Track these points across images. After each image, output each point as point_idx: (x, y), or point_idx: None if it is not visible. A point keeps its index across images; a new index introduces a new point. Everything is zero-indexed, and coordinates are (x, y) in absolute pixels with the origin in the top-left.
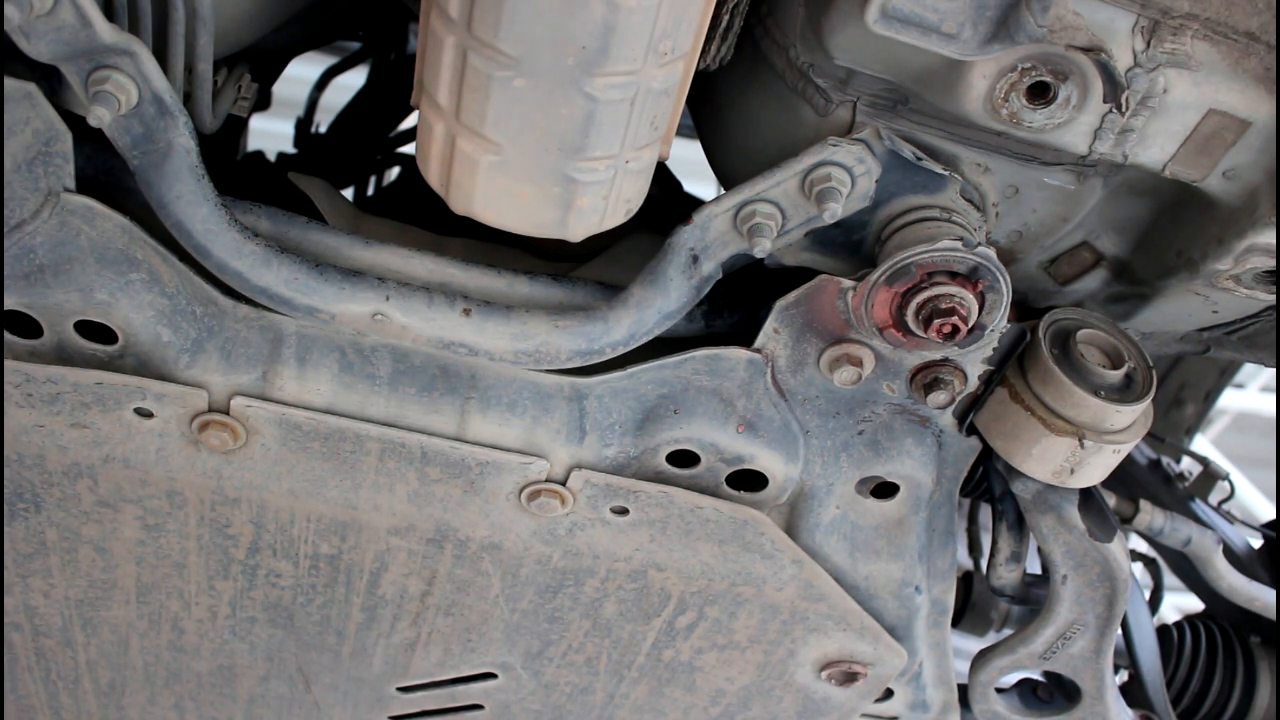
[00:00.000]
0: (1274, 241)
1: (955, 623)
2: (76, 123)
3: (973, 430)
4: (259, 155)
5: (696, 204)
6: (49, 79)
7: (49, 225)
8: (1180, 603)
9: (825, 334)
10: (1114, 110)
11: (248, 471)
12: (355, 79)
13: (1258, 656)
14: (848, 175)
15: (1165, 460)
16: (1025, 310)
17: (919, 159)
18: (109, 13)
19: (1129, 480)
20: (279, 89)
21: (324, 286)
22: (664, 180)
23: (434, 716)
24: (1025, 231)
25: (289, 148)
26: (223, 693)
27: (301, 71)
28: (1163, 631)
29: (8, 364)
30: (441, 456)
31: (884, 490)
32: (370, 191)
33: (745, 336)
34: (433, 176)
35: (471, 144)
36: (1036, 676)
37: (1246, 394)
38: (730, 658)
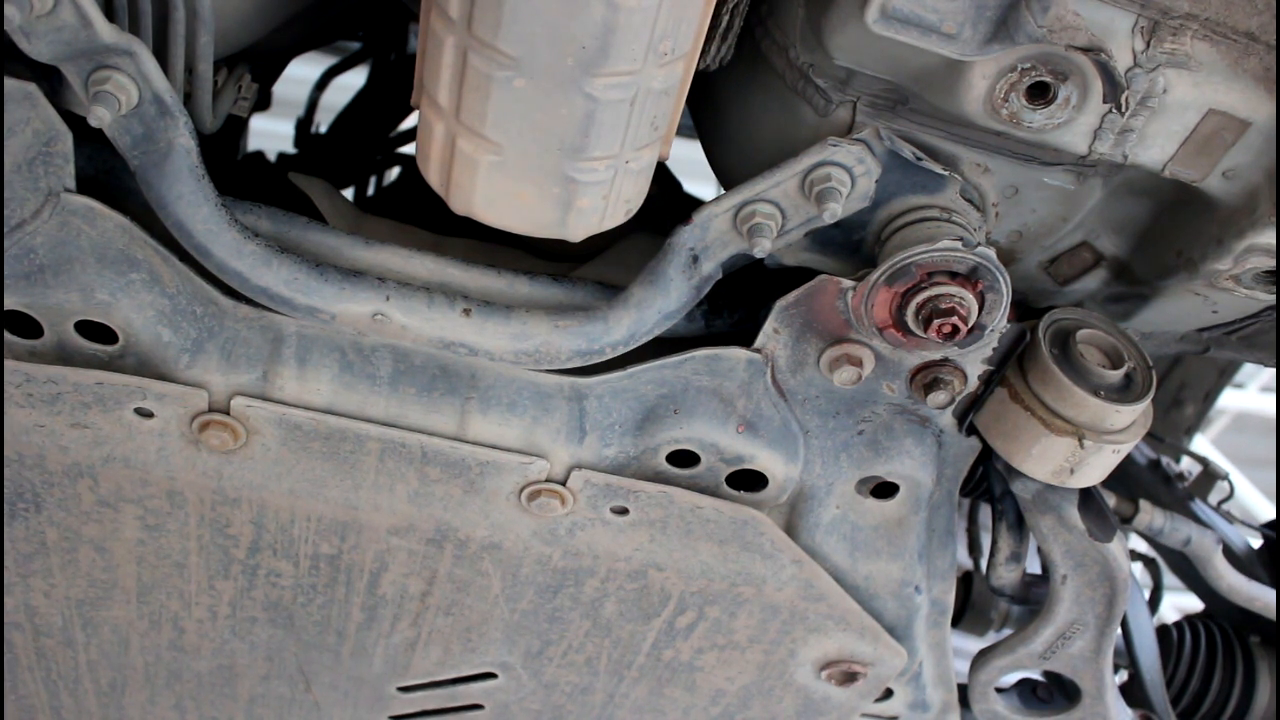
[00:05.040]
0: (1274, 241)
1: (955, 623)
2: (77, 123)
3: (973, 430)
4: (259, 155)
5: (696, 204)
6: (49, 79)
7: (49, 225)
8: (1180, 603)
9: (825, 334)
10: (1114, 110)
11: (248, 471)
12: (355, 79)
13: (1257, 656)
14: (848, 175)
15: (1165, 460)
16: (1025, 310)
17: (919, 159)
18: (109, 13)
19: (1129, 480)
20: (279, 89)
21: (324, 286)
22: (664, 180)
23: (434, 716)
24: (1025, 231)
25: (289, 148)
26: (223, 692)
27: (301, 71)
28: (1163, 631)
29: (8, 364)
30: (441, 456)
31: (884, 490)
32: (370, 191)
33: (745, 336)
34: (433, 176)
35: (471, 144)
36: (1036, 676)
37: (1246, 394)
38: (730, 658)
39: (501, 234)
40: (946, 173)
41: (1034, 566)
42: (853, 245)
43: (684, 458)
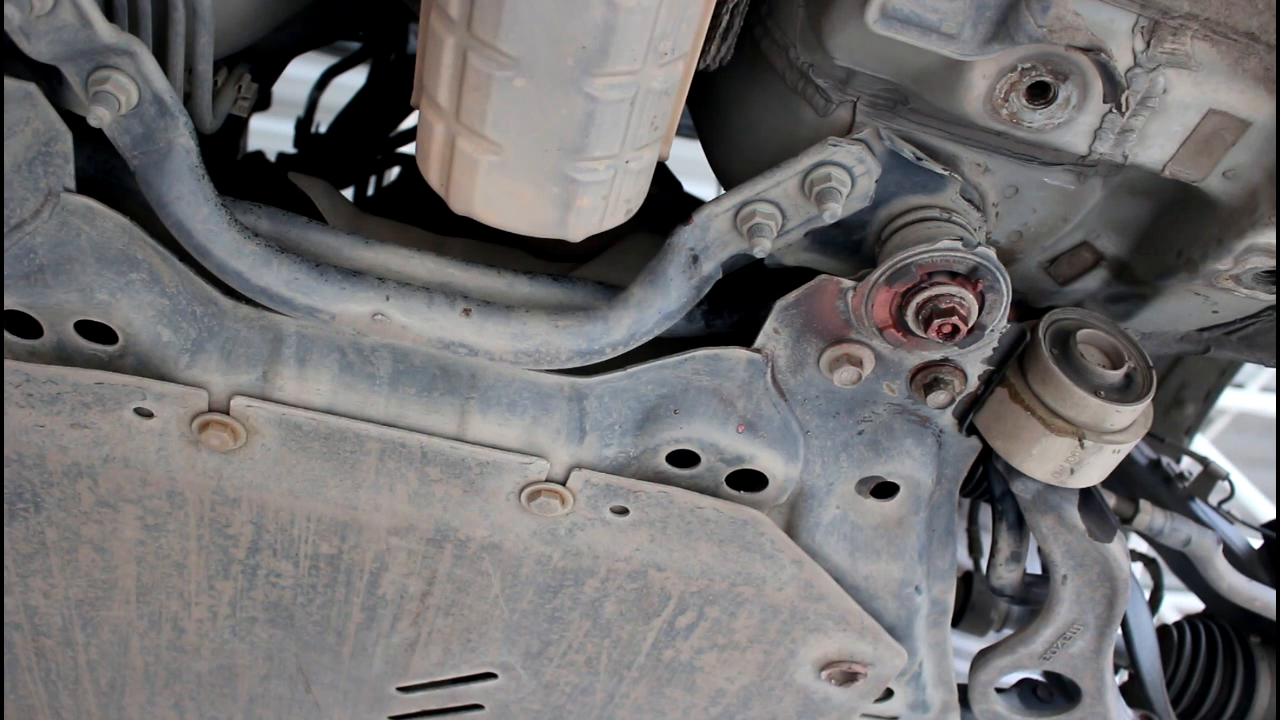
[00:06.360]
0: (1274, 241)
1: (955, 623)
2: (77, 123)
3: (973, 430)
4: (259, 155)
5: (696, 204)
6: (49, 79)
7: (49, 225)
8: (1180, 603)
9: (825, 334)
10: (1114, 110)
11: (248, 471)
12: (355, 79)
13: (1258, 656)
14: (848, 175)
15: (1165, 460)
16: (1025, 310)
17: (919, 159)
18: (109, 13)
19: (1129, 480)
20: (279, 89)
21: (324, 286)
22: (664, 180)
23: (434, 716)
24: (1025, 231)
25: (289, 148)
26: (223, 693)
27: (301, 71)
28: (1163, 631)
29: (8, 364)
30: (441, 456)
31: (884, 490)
32: (370, 191)
33: (745, 336)
34: (433, 176)
35: (471, 144)
36: (1036, 676)
37: (1246, 394)
38: (730, 658)
39: (501, 234)
40: (946, 173)
41: (1034, 566)
42: (853, 245)
43: (684, 458)
